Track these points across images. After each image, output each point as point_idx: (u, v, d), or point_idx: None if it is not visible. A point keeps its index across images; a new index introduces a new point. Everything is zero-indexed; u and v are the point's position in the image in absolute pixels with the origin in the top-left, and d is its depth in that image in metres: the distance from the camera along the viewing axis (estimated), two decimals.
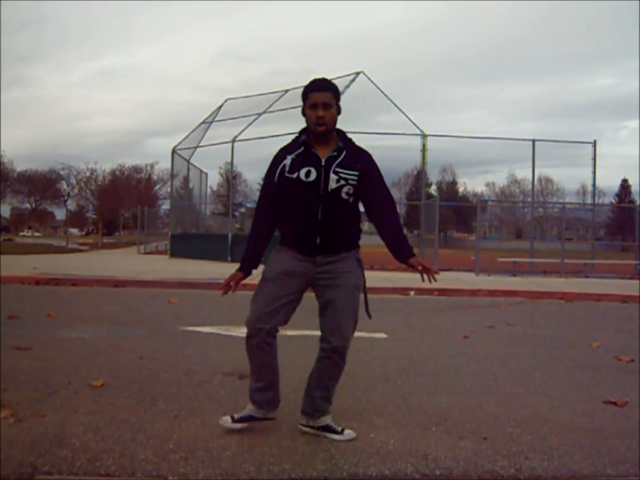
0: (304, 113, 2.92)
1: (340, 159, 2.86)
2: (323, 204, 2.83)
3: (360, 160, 2.91)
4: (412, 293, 10.65)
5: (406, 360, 4.91)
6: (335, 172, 2.83)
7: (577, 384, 4.30)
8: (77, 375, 4.03)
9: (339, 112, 2.91)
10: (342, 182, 2.83)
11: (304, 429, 2.99)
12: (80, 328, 6.02)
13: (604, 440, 3.06)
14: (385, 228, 2.97)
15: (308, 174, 2.83)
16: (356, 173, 2.86)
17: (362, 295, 3.00)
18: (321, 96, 2.83)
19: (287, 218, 2.93)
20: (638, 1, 62.24)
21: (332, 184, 2.83)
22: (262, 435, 2.94)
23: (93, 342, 5.32)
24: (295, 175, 2.84)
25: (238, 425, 2.94)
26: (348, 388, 3.92)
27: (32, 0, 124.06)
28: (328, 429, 2.95)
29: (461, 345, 5.72)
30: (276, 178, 2.89)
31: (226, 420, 2.95)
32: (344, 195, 2.85)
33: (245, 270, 2.96)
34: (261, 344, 2.86)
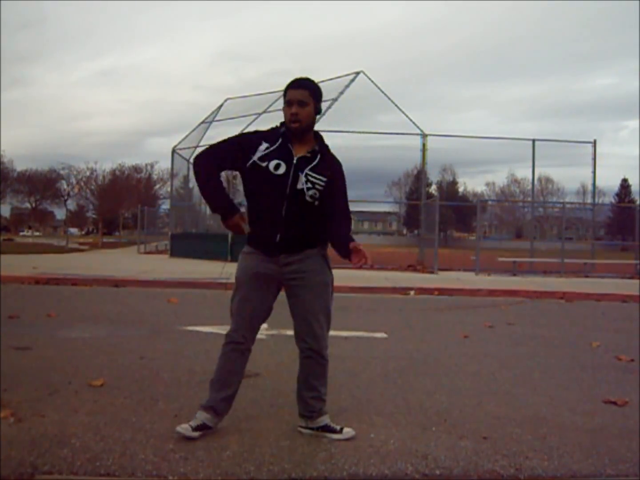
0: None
1: (313, 163, 2.85)
2: (288, 201, 2.82)
3: (331, 168, 2.90)
4: (412, 293, 10.65)
5: (406, 360, 4.91)
6: (305, 174, 2.82)
7: (577, 384, 4.30)
8: (77, 375, 4.03)
9: (318, 112, 2.90)
10: (309, 185, 2.82)
11: (303, 431, 2.99)
12: (80, 328, 6.02)
13: (604, 440, 3.06)
14: (335, 239, 2.94)
15: (277, 167, 2.82)
16: (324, 179, 2.85)
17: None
18: (296, 93, 2.83)
19: (250, 208, 2.94)
20: (638, 1, 62.22)
21: (299, 185, 2.82)
22: (262, 435, 2.94)
23: (93, 342, 5.32)
24: (264, 164, 2.82)
25: (196, 434, 2.84)
26: (348, 388, 3.92)
27: (33, 0, 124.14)
28: (327, 428, 2.95)
29: (461, 345, 5.72)
30: (245, 157, 2.84)
31: (186, 429, 2.84)
32: (308, 198, 2.83)
33: (236, 210, 2.87)
34: (244, 350, 2.92)
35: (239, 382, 2.99)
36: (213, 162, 2.88)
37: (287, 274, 2.88)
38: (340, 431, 2.94)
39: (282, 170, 2.81)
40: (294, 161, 2.83)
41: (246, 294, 2.93)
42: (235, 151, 2.88)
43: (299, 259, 2.87)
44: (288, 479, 2.49)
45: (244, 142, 2.90)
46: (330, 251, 2.99)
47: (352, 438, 2.92)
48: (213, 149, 2.93)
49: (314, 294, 2.89)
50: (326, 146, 2.96)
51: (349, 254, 2.83)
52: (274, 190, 2.82)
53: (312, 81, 2.93)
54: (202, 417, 2.90)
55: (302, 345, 2.94)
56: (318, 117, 2.95)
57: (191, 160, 21.72)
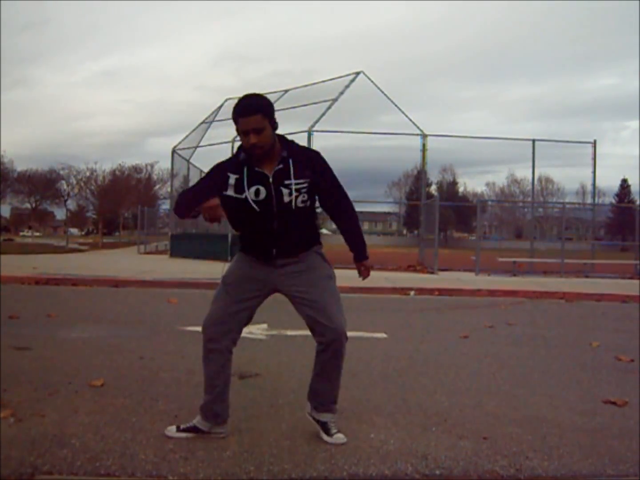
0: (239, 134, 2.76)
1: (289, 171, 2.76)
2: (277, 218, 2.78)
3: (309, 165, 2.81)
4: (412, 293, 10.65)
5: (406, 360, 4.91)
6: (286, 186, 2.75)
7: (577, 384, 4.30)
8: (77, 375, 4.03)
9: (275, 127, 2.76)
10: (295, 193, 2.76)
11: (308, 417, 2.99)
12: (80, 328, 6.02)
13: (604, 440, 3.06)
14: (344, 230, 2.98)
15: (257, 192, 2.75)
16: (307, 180, 2.78)
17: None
18: (249, 122, 2.66)
19: (242, 231, 2.93)
20: (639, 1, 62.20)
21: (285, 198, 2.76)
22: (262, 435, 2.94)
23: (93, 342, 5.32)
24: (243, 196, 2.76)
25: (183, 435, 2.87)
26: (348, 388, 3.91)
27: (35, 1, 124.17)
28: (324, 426, 2.92)
29: (461, 345, 5.72)
30: (218, 192, 2.75)
31: (171, 430, 2.91)
32: (299, 204, 2.79)
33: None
34: (222, 349, 2.87)
35: (224, 383, 2.92)
36: (190, 204, 2.79)
37: (284, 275, 2.86)
38: (331, 435, 2.89)
39: (263, 194, 2.76)
40: (270, 180, 2.76)
41: (228, 295, 2.88)
42: (205, 193, 2.72)
43: (297, 260, 2.86)
44: (288, 479, 2.49)
45: (212, 181, 2.81)
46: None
47: (341, 444, 2.86)
48: (182, 196, 2.91)
49: (321, 288, 2.84)
50: (294, 145, 2.86)
51: (357, 263, 3.03)
52: (261, 214, 2.78)
53: (260, 98, 2.76)
54: (195, 419, 2.93)
55: (321, 339, 2.82)
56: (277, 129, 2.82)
57: (191, 161, 21.82)
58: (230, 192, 2.78)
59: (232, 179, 2.78)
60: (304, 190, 2.78)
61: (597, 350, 5.65)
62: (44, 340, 5.29)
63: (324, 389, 2.94)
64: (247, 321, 2.95)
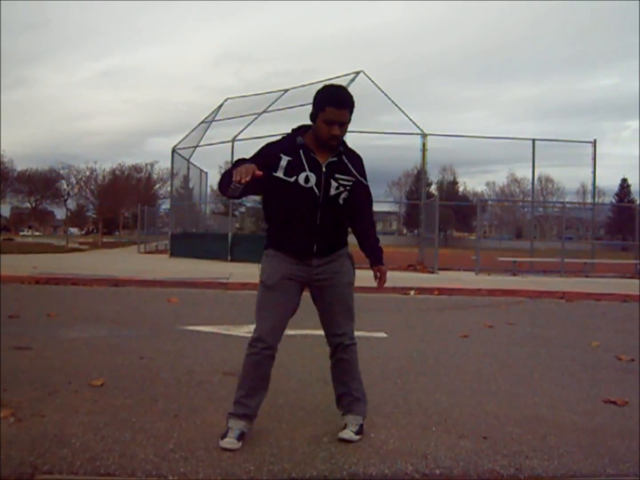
0: (313, 119, 2.76)
1: (341, 166, 2.82)
2: (321, 210, 2.79)
3: (356, 166, 2.88)
4: (412, 293, 10.66)
5: (406, 360, 4.91)
6: (335, 179, 2.79)
7: (577, 384, 4.30)
8: (77, 375, 4.02)
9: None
10: (341, 188, 2.81)
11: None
12: (80, 328, 6.02)
13: (604, 440, 3.06)
14: (364, 234, 3.00)
15: (307, 179, 2.75)
16: (352, 179, 2.84)
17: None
18: (340, 115, 2.69)
19: (281, 221, 2.85)
20: (639, 1, 62.21)
21: (332, 191, 2.79)
22: (262, 435, 2.94)
23: (93, 342, 5.32)
24: (293, 179, 2.75)
25: (240, 444, 2.77)
26: None
27: (36, 1, 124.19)
28: (345, 427, 2.95)
29: (461, 345, 5.72)
30: (275, 174, 2.75)
31: (231, 442, 2.75)
32: (340, 201, 2.83)
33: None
34: (268, 357, 2.85)
35: (268, 387, 2.96)
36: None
37: (318, 274, 2.87)
38: (344, 430, 2.92)
39: (312, 181, 2.75)
40: (323, 169, 2.78)
41: (276, 298, 2.85)
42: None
43: (330, 260, 2.88)
44: (288, 479, 2.49)
45: (263, 160, 2.72)
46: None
47: (349, 440, 2.88)
48: (226, 173, 2.71)
49: (339, 295, 2.91)
50: (345, 143, 2.91)
51: (372, 268, 2.99)
52: (306, 202, 2.77)
53: (350, 95, 2.78)
54: (239, 425, 2.80)
55: (329, 342, 2.98)
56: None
57: (191, 160, 21.82)
58: (279, 173, 2.75)
59: (285, 160, 2.76)
60: (348, 187, 2.83)
61: (597, 350, 5.65)
62: (44, 340, 5.29)
63: (342, 392, 3.02)
64: (288, 320, 2.94)
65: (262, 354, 2.83)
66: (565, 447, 2.93)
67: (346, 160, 2.85)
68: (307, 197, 2.77)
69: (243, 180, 2.46)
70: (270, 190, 2.81)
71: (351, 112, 2.76)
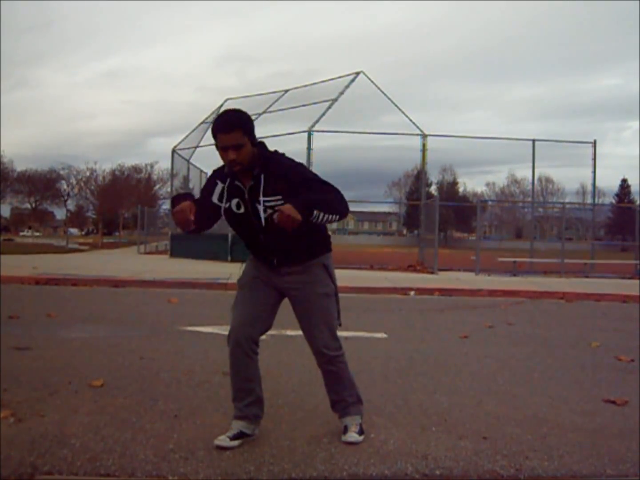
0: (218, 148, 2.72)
1: (261, 188, 2.70)
2: (262, 231, 2.77)
3: (282, 180, 2.69)
4: (412, 293, 10.65)
5: (406, 360, 4.91)
6: (260, 202, 2.71)
7: (577, 384, 4.30)
8: (77, 375, 4.02)
9: (254, 143, 2.71)
10: (270, 210, 2.69)
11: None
12: (80, 328, 6.02)
13: (604, 440, 3.06)
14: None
15: (238, 206, 2.78)
16: (279, 197, 2.68)
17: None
18: (229, 138, 2.62)
19: (241, 239, 2.94)
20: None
21: (262, 214, 2.73)
22: (262, 435, 2.94)
23: (93, 342, 5.32)
24: (227, 206, 2.79)
25: (235, 443, 2.80)
26: None
27: (37, 1, 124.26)
28: (344, 430, 2.95)
29: (461, 345, 5.72)
30: (212, 200, 2.81)
31: (223, 440, 2.79)
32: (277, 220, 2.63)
33: (189, 198, 2.69)
34: (248, 352, 2.86)
35: (258, 384, 2.96)
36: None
37: (288, 283, 2.87)
38: (345, 434, 2.92)
39: (242, 208, 2.77)
40: (246, 196, 2.74)
41: (245, 295, 2.91)
42: (206, 201, 2.80)
43: (300, 270, 2.86)
44: (288, 479, 2.49)
45: (207, 188, 2.85)
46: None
47: (354, 443, 2.88)
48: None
49: (315, 307, 2.88)
50: (266, 157, 2.75)
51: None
52: (245, 226, 2.79)
53: (240, 114, 2.70)
54: (237, 425, 2.85)
55: (314, 352, 2.96)
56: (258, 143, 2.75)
57: (191, 161, 21.82)
58: (215, 199, 2.81)
59: (219, 187, 2.81)
60: (279, 205, 2.63)
61: (597, 350, 5.65)
62: (44, 340, 5.29)
63: (334, 399, 3.02)
64: (267, 324, 2.93)
65: (234, 352, 2.87)
66: (565, 447, 2.93)
67: (264, 181, 2.70)
68: (244, 221, 2.79)
69: (189, 229, 2.58)
70: (216, 214, 2.84)
71: (247, 132, 2.66)
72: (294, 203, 2.51)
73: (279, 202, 2.67)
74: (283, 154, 2.85)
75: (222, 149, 2.67)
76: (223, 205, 2.80)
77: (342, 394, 3.00)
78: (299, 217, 2.47)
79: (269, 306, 2.92)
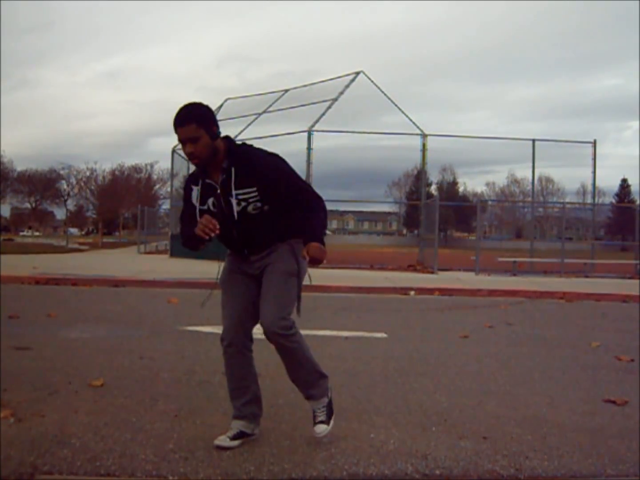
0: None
1: (232, 181, 2.72)
2: (236, 226, 2.78)
3: (254, 172, 2.71)
4: (412, 293, 10.65)
5: (406, 360, 4.91)
6: (233, 195, 2.72)
7: (577, 384, 4.30)
8: (77, 375, 4.03)
9: (214, 136, 2.69)
10: (244, 203, 2.72)
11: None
12: (80, 328, 6.02)
13: (604, 440, 3.05)
14: (303, 217, 2.79)
15: (214, 204, 2.79)
16: (253, 189, 2.71)
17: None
18: (183, 132, 2.64)
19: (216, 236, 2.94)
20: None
21: (236, 208, 2.74)
22: (262, 435, 2.94)
23: (93, 342, 5.32)
24: (206, 207, 2.81)
25: (235, 443, 2.79)
26: (348, 388, 3.92)
27: (38, 1, 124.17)
28: (314, 418, 2.90)
29: (461, 345, 5.72)
30: (192, 203, 2.85)
31: (224, 440, 2.79)
32: (251, 212, 2.74)
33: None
34: (242, 350, 2.87)
35: (255, 382, 2.96)
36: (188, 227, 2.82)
37: (259, 269, 2.88)
38: (314, 425, 2.87)
39: (217, 205, 2.79)
40: (218, 191, 2.76)
41: (227, 294, 2.92)
42: (189, 212, 2.87)
43: (266, 254, 2.86)
44: (288, 479, 2.49)
45: (186, 198, 2.90)
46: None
47: (321, 435, 2.83)
48: (180, 219, 2.96)
49: (272, 283, 2.80)
50: (237, 151, 2.77)
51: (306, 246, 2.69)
52: (223, 222, 2.75)
53: (196, 108, 2.70)
54: (237, 425, 2.85)
55: (263, 331, 2.79)
56: (221, 136, 2.75)
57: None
58: (196, 203, 2.84)
59: (195, 191, 2.84)
60: (253, 199, 2.72)
61: (597, 350, 5.65)
62: (44, 340, 5.29)
63: (296, 381, 2.95)
64: (256, 315, 2.88)
65: (227, 352, 2.88)
66: (565, 447, 2.93)
67: (235, 174, 2.72)
68: (219, 218, 2.75)
69: (212, 236, 2.63)
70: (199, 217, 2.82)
71: (204, 125, 2.65)
72: (312, 240, 2.66)
73: (253, 195, 2.71)
74: (256, 147, 2.86)
75: (180, 142, 2.71)
76: (200, 207, 2.81)
77: (300, 376, 2.91)
78: (325, 250, 2.67)
79: (252, 297, 2.89)
